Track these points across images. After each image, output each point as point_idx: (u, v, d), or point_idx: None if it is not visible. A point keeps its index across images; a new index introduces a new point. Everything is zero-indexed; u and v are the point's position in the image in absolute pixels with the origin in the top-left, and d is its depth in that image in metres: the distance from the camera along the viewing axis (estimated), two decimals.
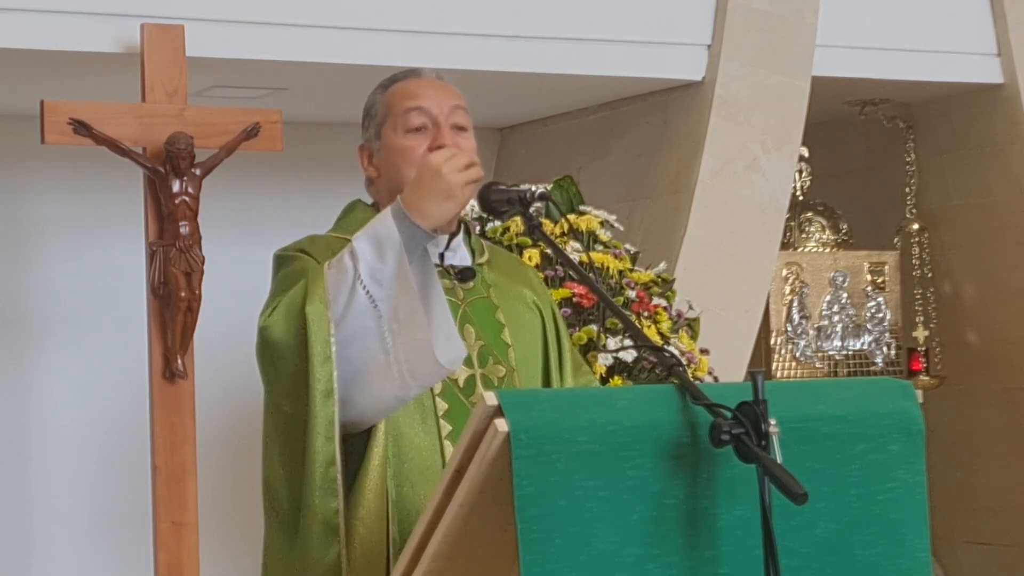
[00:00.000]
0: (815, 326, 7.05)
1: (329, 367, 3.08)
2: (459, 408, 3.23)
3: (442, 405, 3.24)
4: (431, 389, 3.22)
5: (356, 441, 3.16)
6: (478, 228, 5.27)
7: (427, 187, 3.10)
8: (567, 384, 3.45)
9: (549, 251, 5.07)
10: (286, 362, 3.12)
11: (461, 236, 3.41)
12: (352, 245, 3.11)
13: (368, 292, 3.07)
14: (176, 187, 5.17)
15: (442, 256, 3.36)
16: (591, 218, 5.44)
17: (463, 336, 3.27)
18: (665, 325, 5.27)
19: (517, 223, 5.21)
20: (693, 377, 4.60)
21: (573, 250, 5.23)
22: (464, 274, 3.37)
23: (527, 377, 3.37)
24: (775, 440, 2.49)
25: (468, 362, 3.29)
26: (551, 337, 3.47)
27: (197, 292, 5.20)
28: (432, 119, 3.31)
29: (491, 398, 2.46)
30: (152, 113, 5.21)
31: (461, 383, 3.27)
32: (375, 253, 3.08)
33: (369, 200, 3.46)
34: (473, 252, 3.43)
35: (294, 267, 3.26)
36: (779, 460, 2.47)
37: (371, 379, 3.09)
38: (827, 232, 7.26)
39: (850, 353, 7.11)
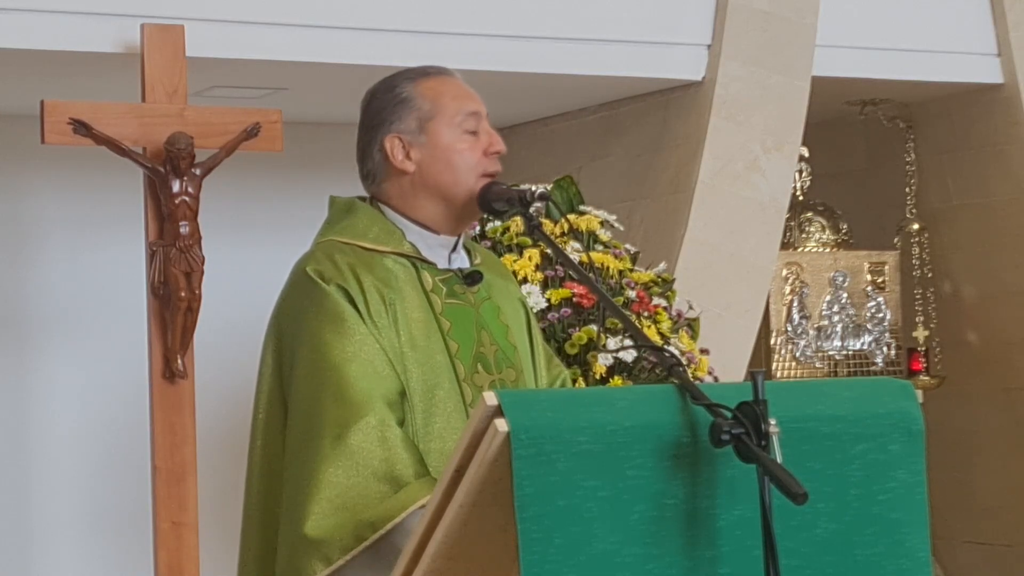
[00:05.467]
0: (815, 326, 7.05)
1: None
2: None
3: None
4: (463, 398, 3.23)
5: None
6: (477, 228, 5.27)
7: None
8: (543, 377, 3.46)
9: (549, 251, 5.07)
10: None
11: (463, 237, 3.41)
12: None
13: None
14: (176, 187, 5.17)
15: (449, 258, 3.36)
16: (591, 218, 5.44)
17: (480, 341, 3.28)
18: (665, 325, 5.27)
19: (517, 223, 5.21)
20: (693, 377, 4.60)
21: (573, 250, 5.23)
22: (472, 277, 3.36)
23: (529, 377, 3.39)
24: (775, 440, 2.49)
25: (487, 367, 3.29)
26: (533, 331, 3.48)
27: (197, 292, 5.20)
28: (480, 123, 3.33)
29: (491, 398, 2.46)
30: (152, 113, 5.21)
31: (486, 390, 3.26)
32: None
33: (352, 194, 3.41)
34: (468, 253, 3.43)
35: (344, 327, 3.16)
36: (779, 460, 2.47)
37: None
38: (827, 232, 7.26)
39: (850, 353, 7.11)
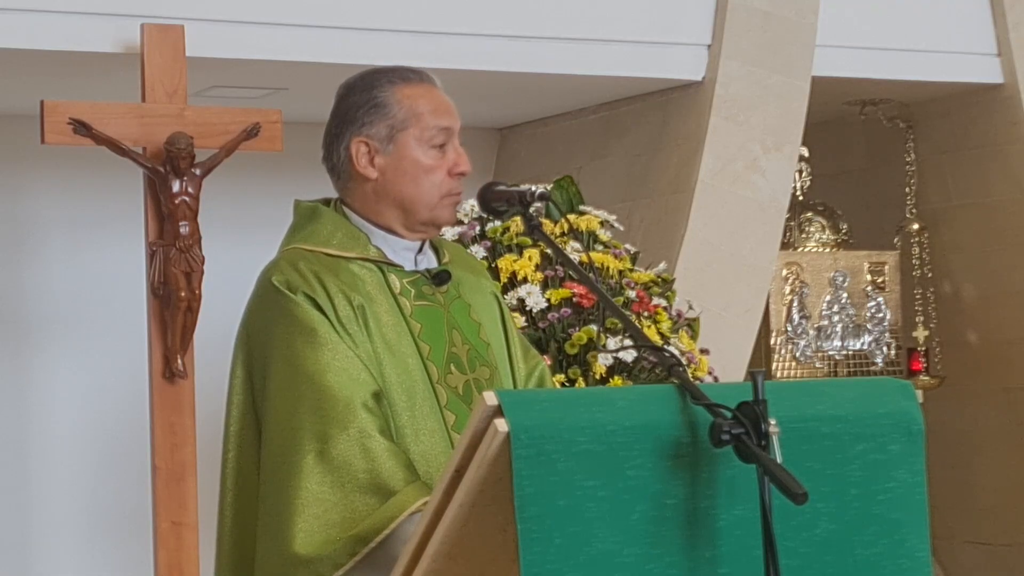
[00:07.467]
0: (815, 326, 7.05)
1: None
2: (466, 417, 3.19)
3: (450, 417, 3.22)
4: (438, 400, 3.21)
5: None
6: (478, 228, 5.27)
7: None
8: (520, 368, 3.43)
9: (549, 251, 5.07)
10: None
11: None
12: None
13: None
14: (176, 187, 5.17)
15: (416, 260, 3.32)
16: (591, 218, 5.44)
17: (452, 342, 3.26)
18: (665, 325, 5.27)
19: (517, 223, 5.20)
20: (693, 377, 4.60)
21: (573, 250, 5.23)
22: (440, 277, 3.32)
23: (504, 372, 3.36)
24: (775, 440, 2.49)
25: (461, 367, 3.26)
26: (507, 324, 3.46)
27: (197, 292, 5.21)
28: (450, 139, 3.29)
29: (491, 398, 2.46)
30: (152, 113, 5.21)
31: (460, 391, 3.24)
32: None
33: (317, 197, 3.39)
34: (436, 251, 3.39)
35: (316, 336, 3.11)
36: (779, 460, 2.47)
37: None
38: (827, 232, 7.26)
39: (850, 353, 7.12)
